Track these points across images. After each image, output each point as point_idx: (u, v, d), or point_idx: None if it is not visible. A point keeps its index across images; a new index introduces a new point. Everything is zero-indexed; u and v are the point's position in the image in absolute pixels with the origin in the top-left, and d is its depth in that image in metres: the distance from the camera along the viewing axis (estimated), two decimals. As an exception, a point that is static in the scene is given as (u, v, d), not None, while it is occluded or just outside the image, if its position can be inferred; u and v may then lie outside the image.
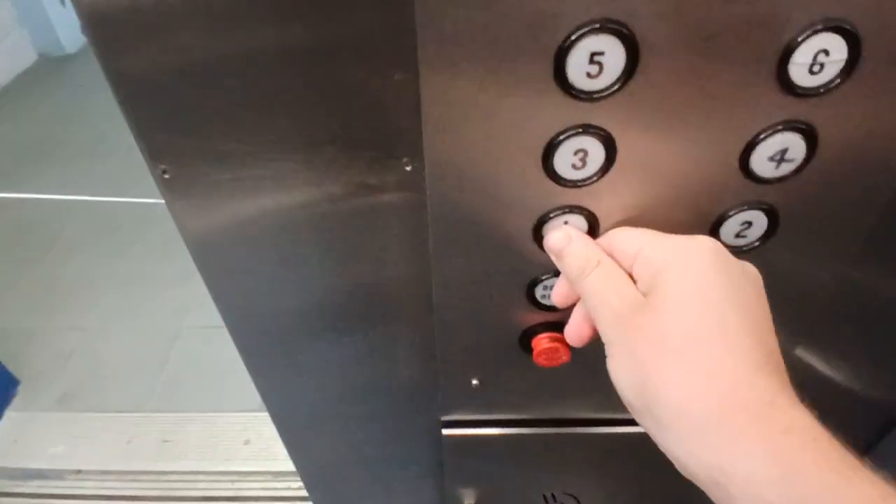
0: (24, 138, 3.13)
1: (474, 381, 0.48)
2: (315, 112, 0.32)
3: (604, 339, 0.32)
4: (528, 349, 0.44)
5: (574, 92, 0.30)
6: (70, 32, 3.85)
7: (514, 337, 0.44)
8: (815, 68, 0.29)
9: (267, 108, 0.31)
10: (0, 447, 1.73)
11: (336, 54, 0.30)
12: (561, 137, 0.31)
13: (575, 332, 0.36)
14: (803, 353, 0.47)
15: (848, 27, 0.28)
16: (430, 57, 0.29)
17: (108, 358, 2.01)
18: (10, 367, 1.86)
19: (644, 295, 0.30)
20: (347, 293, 0.43)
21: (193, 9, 0.29)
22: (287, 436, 0.55)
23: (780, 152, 0.32)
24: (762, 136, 0.31)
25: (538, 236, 0.36)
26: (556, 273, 0.38)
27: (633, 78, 0.29)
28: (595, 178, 0.33)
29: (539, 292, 0.40)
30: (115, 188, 2.71)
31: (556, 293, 0.37)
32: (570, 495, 0.64)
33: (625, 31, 0.28)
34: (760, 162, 0.32)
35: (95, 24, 0.30)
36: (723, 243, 0.32)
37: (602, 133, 0.31)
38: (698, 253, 0.30)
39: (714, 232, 0.36)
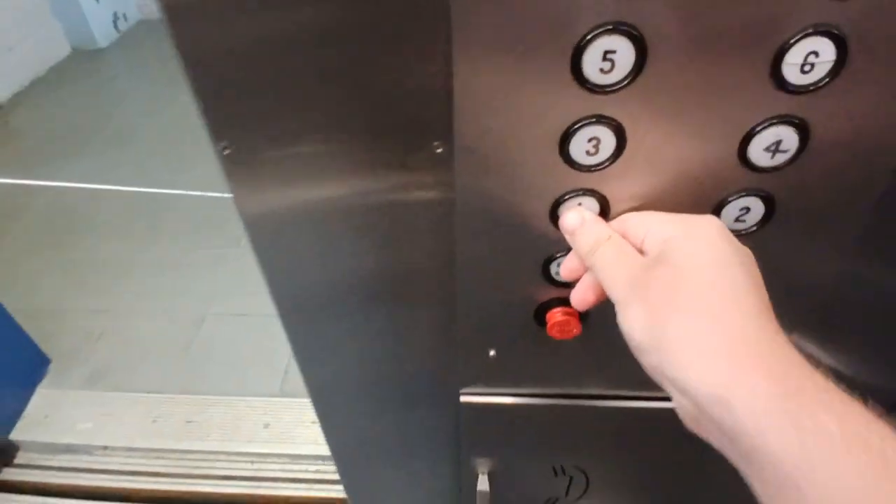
0: (57, 128, 3.23)
1: (491, 353, 0.52)
2: (360, 98, 0.36)
3: (616, 300, 0.34)
4: (542, 323, 0.48)
5: (589, 86, 0.34)
6: (103, 27, 3.95)
7: (529, 311, 0.48)
8: (807, 68, 0.32)
9: (318, 90, 0.35)
10: (31, 422, 1.81)
11: (380, 46, 0.34)
12: (576, 126, 0.35)
13: (580, 297, 0.39)
14: (798, 339, 0.50)
15: (836, 32, 0.31)
16: (463, 53, 0.33)
17: (135, 340, 2.08)
18: (42, 347, 1.93)
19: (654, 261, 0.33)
20: (379, 269, 0.47)
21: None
22: (320, 405, 0.60)
23: (774, 143, 0.35)
24: (758, 129, 0.35)
25: (554, 217, 0.40)
26: (570, 251, 0.42)
27: (641, 74, 0.33)
28: (607, 164, 0.37)
29: (554, 269, 0.44)
30: (144, 178, 2.79)
31: (565, 268, 0.40)
32: (580, 469, 0.68)
33: (635, 32, 0.32)
34: (757, 152, 0.36)
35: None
36: None
37: (614, 123, 0.35)
38: (705, 224, 0.33)
39: (715, 215, 0.39)
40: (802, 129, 0.35)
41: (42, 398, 1.89)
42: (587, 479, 0.71)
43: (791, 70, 0.32)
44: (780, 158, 0.36)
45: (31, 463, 1.73)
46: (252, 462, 1.68)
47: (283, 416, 1.79)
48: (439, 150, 0.37)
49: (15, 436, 1.73)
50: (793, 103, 0.34)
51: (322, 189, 0.39)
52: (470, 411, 0.59)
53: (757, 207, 0.39)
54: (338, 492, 1.61)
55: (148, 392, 1.88)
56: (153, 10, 3.86)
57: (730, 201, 0.39)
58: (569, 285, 0.44)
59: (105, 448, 1.74)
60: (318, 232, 0.43)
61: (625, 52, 0.32)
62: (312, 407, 0.60)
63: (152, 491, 1.65)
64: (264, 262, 0.44)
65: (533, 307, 0.47)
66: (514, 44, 0.32)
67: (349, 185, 0.40)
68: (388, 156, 0.38)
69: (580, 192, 0.38)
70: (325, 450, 1.66)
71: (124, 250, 2.44)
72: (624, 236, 0.36)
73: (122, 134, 3.15)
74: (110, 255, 2.42)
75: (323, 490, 1.63)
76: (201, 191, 2.65)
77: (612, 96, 0.34)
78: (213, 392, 1.87)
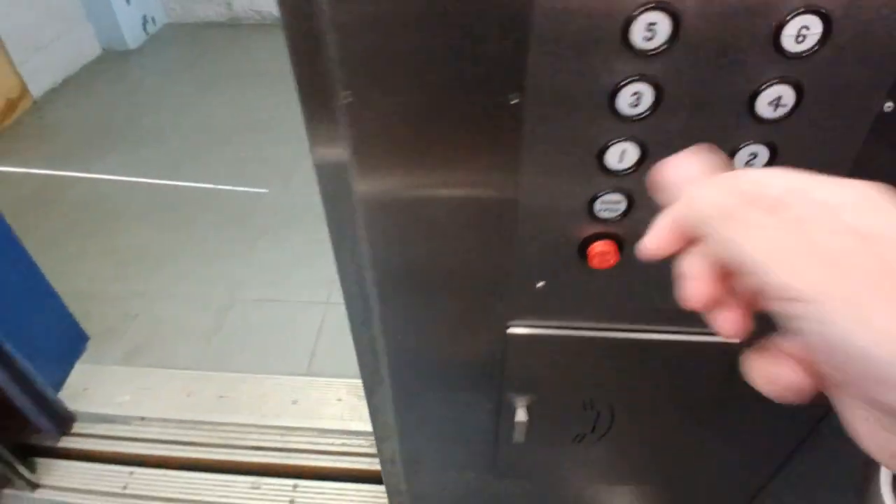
0: (90, 124, 3.36)
1: (539, 285, 0.62)
2: (451, 53, 0.46)
3: (791, 295, 0.23)
4: (584, 256, 0.58)
5: (635, 51, 0.44)
6: (133, 29, 4.09)
7: (574, 245, 0.58)
8: (800, 39, 0.43)
9: (422, 42, 0.46)
10: (71, 394, 1.91)
11: (466, 13, 0.45)
12: (623, 83, 0.46)
13: (698, 291, 0.29)
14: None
15: (823, 10, 0.42)
16: (540, 26, 0.44)
17: (168, 322, 2.19)
18: (80, 325, 2.04)
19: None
20: (451, 207, 0.58)
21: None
22: (388, 331, 0.70)
23: (776, 99, 0.46)
24: (763, 87, 0.45)
25: (600, 161, 0.51)
26: (614, 190, 0.52)
27: (675, 42, 0.44)
28: (647, 114, 0.47)
29: (597, 207, 0.54)
30: (173, 173, 2.91)
31: (656, 238, 0.30)
32: (608, 405, 0.78)
33: (671, 9, 0.42)
34: (763, 106, 0.46)
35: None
36: None
37: (653, 80, 0.45)
38: (875, 190, 0.24)
39: (730, 160, 0.50)
40: (798, 88, 0.45)
41: (81, 373, 1.99)
42: (612, 416, 0.81)
43: (788, 40, 0.43)
44: (781, 111, 0.47)
45: (71, 431, 1.83)
46: (282, 434, 1.78)
47: (310, 394, 1.89)
48: (514, 101, 0.48)
49: (60, 405, 1.83)
50: (790, 66, 0.44)
51: (421, 136, 0.50)
52: (515, 343, 0.70)
53: (763, 154, 0.49)
54: (363, 464, 1.71)
55: (182, 369, 1.99)
56: (180, 14, 4.02)
57: (741, 148, 0.49)
58: (609, 222, 0.55)
59: (142, 419, 1.84)
60: (413, 174, 0.53)
61: (663, 25, 0.43)
62: (381, 333, 0.70)
63: (187, 459, 1.75)
64: (370, 222, 0.55)
65: (577, 242, 0.58)
66: (580, 16, 0.43)
67: (437, 132, 0.51)
68: (470, 105, 0.49)
69: (623, 139, 0.49)
70: (350, 425, 1.76)
71: (155, 240, 2.56)
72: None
73: (153, 131, 3.28)
74: (142, 244, 2.54)
75: (348, 462, 1.72)
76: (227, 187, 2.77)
77: (652, 59, 0.44)
78: (243, 371, 1.98)
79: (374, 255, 0.61)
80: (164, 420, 1.84)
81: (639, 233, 0.54)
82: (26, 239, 1.75)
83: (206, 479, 1.72)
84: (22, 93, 3.49)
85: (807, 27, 0.42)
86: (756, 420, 0.82)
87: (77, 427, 1.82)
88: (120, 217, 2.69)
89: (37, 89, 3.57)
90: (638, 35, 0.44)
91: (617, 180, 0.52)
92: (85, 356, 2.06)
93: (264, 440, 1.77)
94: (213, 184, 2.82)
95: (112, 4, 3.87)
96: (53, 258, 2.46)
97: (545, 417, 0.80)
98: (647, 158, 0.50)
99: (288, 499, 1.66)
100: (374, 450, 1.36)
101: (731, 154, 0.50)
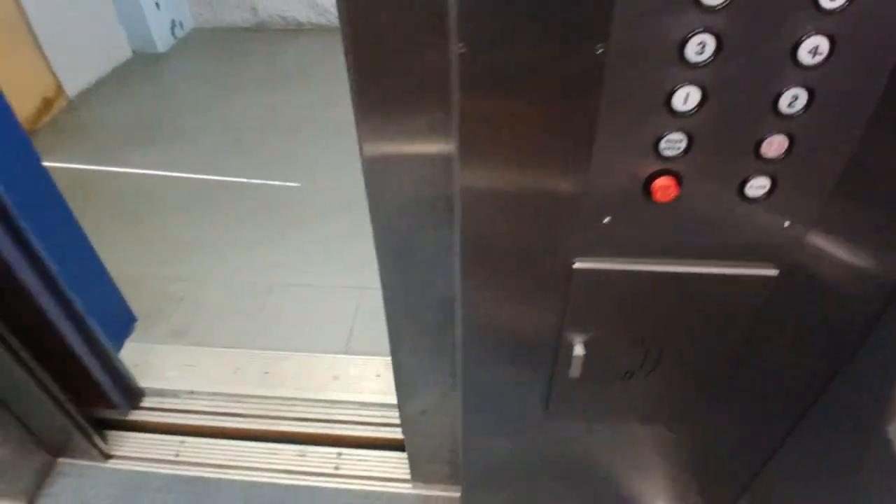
0: (124, 122, 3.50)
1: (606, 220, 0.73)
2: (549, 7, 0.57)
3: None
4: (648, 192, 0.69)
5: (702, 6, 0.55)
6: (162, 33, 4.24)
7: (639, 181, 0.69)
8: (835, -3, 0.54)
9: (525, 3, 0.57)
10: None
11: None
12: (691, 34, 0.57)
13: None
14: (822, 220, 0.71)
15: (854, -26, 0.53)
16: (625, -15, 0.55)
17: (211, 304, 2.30)
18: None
19: None
20: (535, 147, 0.68)
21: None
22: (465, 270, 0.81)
23: (814, 48, 0.57)
24: (803, 38, 0.56)
25: (668, 104, 0.61)
26: (677, 130, 0.63)
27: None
28: (709, 61, 0.58)
29: (662, 145, 0.65)
30: (206, 168, 3.04)
31: None
32: (657, 342, 0.88)
33: (734, -28, 0.53)
34: (803, 54, 0.57)
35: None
36: (779, 112, 0.57)
37: (716, 32, 0.56)
38: None
39: (775, 102, 0.60)
40: (831, 39, 0.56)
41: (130, 351, 2.10)
42: (660, 353, 0.91)
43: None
44: (818, 59, 0.57)
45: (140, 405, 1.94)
46: (325, 407, 1.88)
47: (350, 371, 1.99)
48: (599, 51, 0.59)
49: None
50: (825, 20, 0.55)
51: (521, 85, 0.61)
52: (580, 278, 0.80)
53: (802, 96, 0.60)
54: (399, 434, 1.81)
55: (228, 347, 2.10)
56: (207, 19, 4.18)
57: (784, 90, 0.60)
58: (671, 159, 0.66)
59: (191, 392, 1.95)
60: (512, 118, 0.64)
61: (726, -14, 0.54)
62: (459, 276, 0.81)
63: (235, 429, 1.86)
64: (464, 138, 0.66)
65: (642, 178, 0.68)
66: (658, -20, 0.54)
67: (536, 82, 0.62)
68: (561, 56, 0.60)
69: (688, 83, 0.60)
70: (388, 399, 1.86)
71: (193, 229, 2.68)
72: None
73: (185, 130, 3.42)
74: (181, 233, 2.66)
75: (387, 432, 1.82)
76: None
77: (716, 13, 0.55)
78: (286, 349, 2.09)
79: (465, 203, 0.72)
80: (213, 394, 1.94)
81: (697, 169, 0.65)
82: (70, 228, 1.86)
83: (254, 448, 1.83)
84: (57, 92, 3.63)
85: (842, -14, 0.53)
86: (786, 361, 0.92)
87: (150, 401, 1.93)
88: (158, 209, 2.81)
89: (72, 89, 3.71)
90: (705, -5, 0.55)
91: (680, 121, 0.63)
92: (133, 336, 2.17)
93: (309, 412, 1.88)
94: (247, 178, 2.94)
95: (143, 8, 4.02)
96: (96, 245, 2.58)
97: (599, 353, 0.90)
98: (707, 101, 0.61)
99: (333, 465, 1.76)
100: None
101: (777, 97, 0.60)
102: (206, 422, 1.88)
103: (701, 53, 0.58)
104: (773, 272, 0.77)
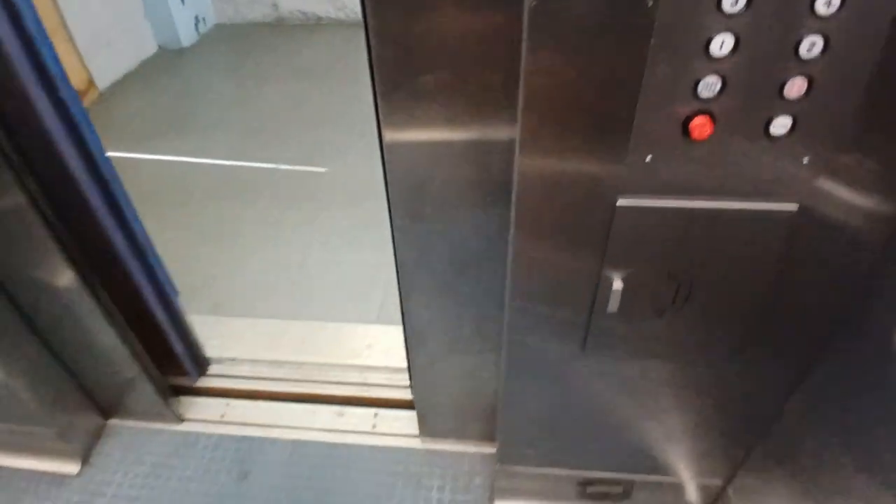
0: (156, 114, 3.63)
1: (648, 158, 0.84)
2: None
3: None
4: (687, 132, 0.80)
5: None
6: (186, 28, 4.37)
7: (678, 122, 0.80)
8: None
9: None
10: (166, 341, 2.14)
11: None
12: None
13: None
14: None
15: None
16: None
17: (248, 281, 2.42)
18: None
19: None
20: (587, 92, 0.80)
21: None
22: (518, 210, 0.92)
23: (828, 0, 0.68)
24: (823, -9, 0.67)
25: (706, 50, 0.73)
26: (713, 73, 0.74)
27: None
28: (742, 10, 0.69)
29: (700, 87, 0.76)
30: (237, 155, 3.16)
31: None
32: (689, 276, 0.99)
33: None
34: (819, 4, 0.68)
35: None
36: (800, 57, 0.69)
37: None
38: None
39: (796, 48, 0.71)
40: (845, -9, 0.67)
41: (173, 323, 2.22)
42: (690, 289, 1.02)
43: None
44: (832, 9, 0.68)
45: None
46: (360, 371, 2.00)
47: (381, 340, 2.11)
48: (650, 4, 0.70)
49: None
50: (842, -25, 0.66)
51: (583, 37, 0.73)
52: (622, 215, 0.91)
53: (819, 42, 0.71)
54: (433, 396, 1.92)
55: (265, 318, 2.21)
56: (229, 15, 4.32)
57: (804, 38, 0.71)
58: (707, 100, 0.77)
59: (233, 359, 2.07)
60: (571, 65, 0.76)
61: (758, -54, 0.65)
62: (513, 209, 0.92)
63: (276, 392, 1.97)
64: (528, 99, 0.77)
65: (681, 118, 0.80)
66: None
67: (595, 33, 0.73)
68: (616, 7, 0.71)
69: (724, 31, 0.71)
70: (421, 363, 1.96)
71: (226, 213, 2.80)
72: None
73: (214, 121, 3.55)
74: (215, 216, 2.78)
75: (419, 395, 1.93)
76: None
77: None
78: (321, 319, 2.20)
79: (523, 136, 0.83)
80: (254, 360, 2.06)
81: (729, 109, 0.76)
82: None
83: (295, 409, 1.95)
84: (89, 85, 3.77)
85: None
86: (805, 300, 1.03)
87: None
88: (192, 194, 2.93)
89: (102, 82, 3.85)
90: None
91: (716, 64, 0.74)
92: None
93: (345, 376, 1.99)
94: (276, 164, 3.06)
95: (169, 4, 4.16)
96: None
97: (635, 290, 1.01)
98: (739, 47, 0.72)
99: (371, 424, 1.88)
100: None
101: (797, 43, 0.71)
102: (249, 385, 2.00)
103: (735, 4, 0.69)
104: (793, 206, 0.88)
